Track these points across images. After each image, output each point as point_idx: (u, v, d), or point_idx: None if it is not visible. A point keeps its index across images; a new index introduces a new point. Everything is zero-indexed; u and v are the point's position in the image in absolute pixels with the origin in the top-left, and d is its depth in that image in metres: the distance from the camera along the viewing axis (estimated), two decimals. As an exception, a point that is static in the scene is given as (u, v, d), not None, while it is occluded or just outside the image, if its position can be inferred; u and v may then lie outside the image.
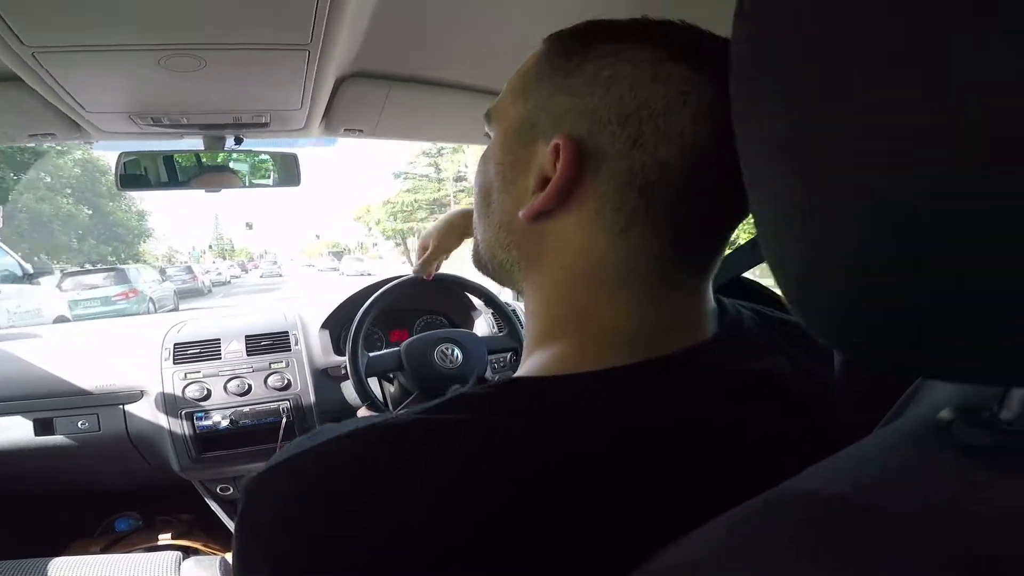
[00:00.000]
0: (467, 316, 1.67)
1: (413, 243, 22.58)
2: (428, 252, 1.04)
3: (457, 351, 1.30)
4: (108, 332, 1.74)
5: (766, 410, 0.35)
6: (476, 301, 1.56)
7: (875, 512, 0.22)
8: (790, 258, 0.25)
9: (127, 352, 1.50)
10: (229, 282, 22.48)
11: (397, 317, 1.63)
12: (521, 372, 0.38)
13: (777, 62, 0.23)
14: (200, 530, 1.70)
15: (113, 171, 1.05)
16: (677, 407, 0.32)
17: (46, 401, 1.41)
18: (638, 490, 0.30)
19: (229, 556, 1.30)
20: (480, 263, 0.45)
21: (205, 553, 1.37)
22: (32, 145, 1.16)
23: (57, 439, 1.41)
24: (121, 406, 1.44)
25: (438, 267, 1.12)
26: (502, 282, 0.45)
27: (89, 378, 1.43)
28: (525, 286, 0.41)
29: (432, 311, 1.68)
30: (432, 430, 0.30)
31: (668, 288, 0.36)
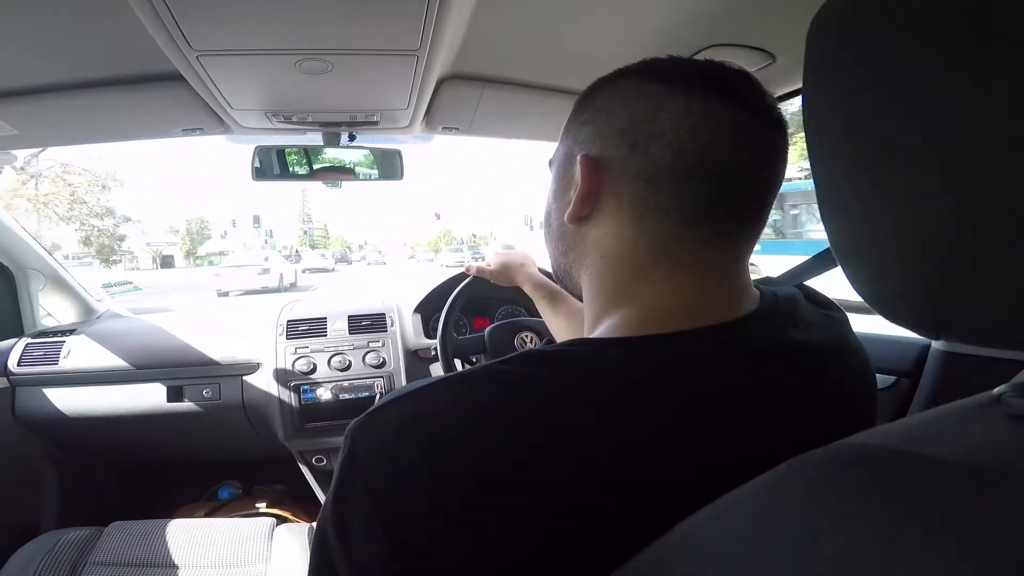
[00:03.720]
0: None
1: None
2: (487, 269, 1.19)
3: (536, 340, 1.40)
4: (234, 307, 1.93)
5: (798, 379, 0.41)
6: None
7: (927, 463, 0.26)
8: (846, 232, 0.31)
9: (248, 327, 1.68)
10: (289, 286, 15.34)
11: (481, 305, 1.74)
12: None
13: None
14: (291, 500, 1.87)
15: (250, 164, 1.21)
16: (715, 371, 0.38)
17: (179, 370, 1.60)
18: (678, 446, 0.35)
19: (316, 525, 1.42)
20: (555, 276, 0.55)
21: (295, 522, 1.47)
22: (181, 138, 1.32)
23: (185, 405, 1.60)
24: (240, 377, 1.62)
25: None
26: (569, 287, 0.53)
27: (216, 349, 1.62)
28: (581, 281, 0.49)
29: (512, 301, 1.76)
30: (505, 379, 0.37)
31: (696, 267, 0.42)
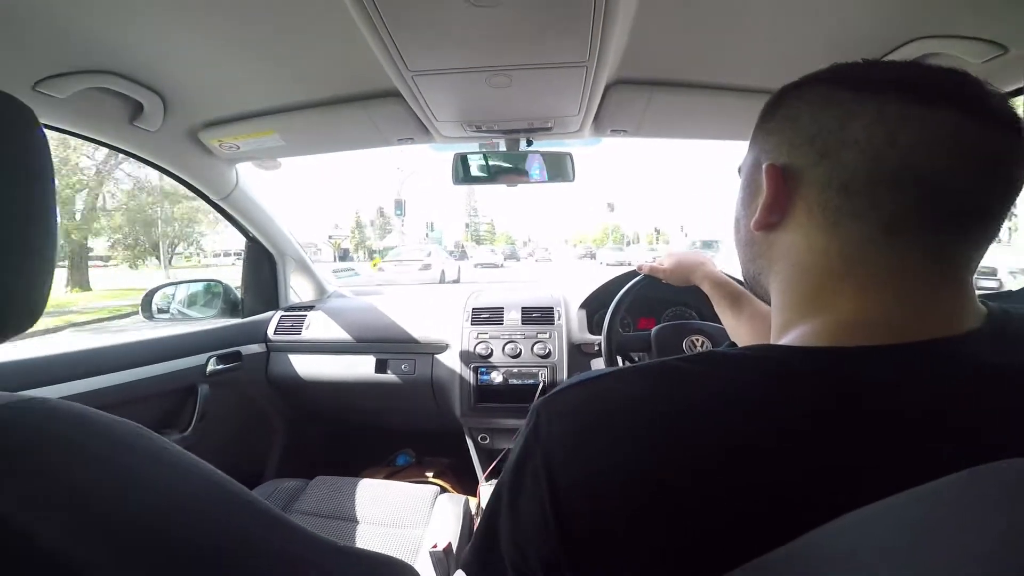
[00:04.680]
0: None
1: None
2: (660, 268, 1.19)
3: (707, 344, 1.33)
4: (428, 294, 2.18)
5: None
6: None
7: None
8: None
9: (442, 311, 1.90)
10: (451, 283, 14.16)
11: (647, 306, 1.75)
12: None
13: None
14: (452, 473, 2.05)
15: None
16: (922, 392, 0.35)
17: (386, 345, 1.87)
18: (856, 468, 0.32)
19: (471, 499, 1.56)
20: (746, 282, 0.55)
21: (453, 493, 1.60)
22: (398, 147, 1.59)
23: (387, 377, 1.85)
24: (432, 355, 1.84)
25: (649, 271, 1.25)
26: (760, 294, 0.52)
27: (417, 329, 1.86)
28: (771, 288, 0.49)
29: (683, 303, 1.74)
30: (682, 377, 0.38)
31: (896, 277, 0.39)
